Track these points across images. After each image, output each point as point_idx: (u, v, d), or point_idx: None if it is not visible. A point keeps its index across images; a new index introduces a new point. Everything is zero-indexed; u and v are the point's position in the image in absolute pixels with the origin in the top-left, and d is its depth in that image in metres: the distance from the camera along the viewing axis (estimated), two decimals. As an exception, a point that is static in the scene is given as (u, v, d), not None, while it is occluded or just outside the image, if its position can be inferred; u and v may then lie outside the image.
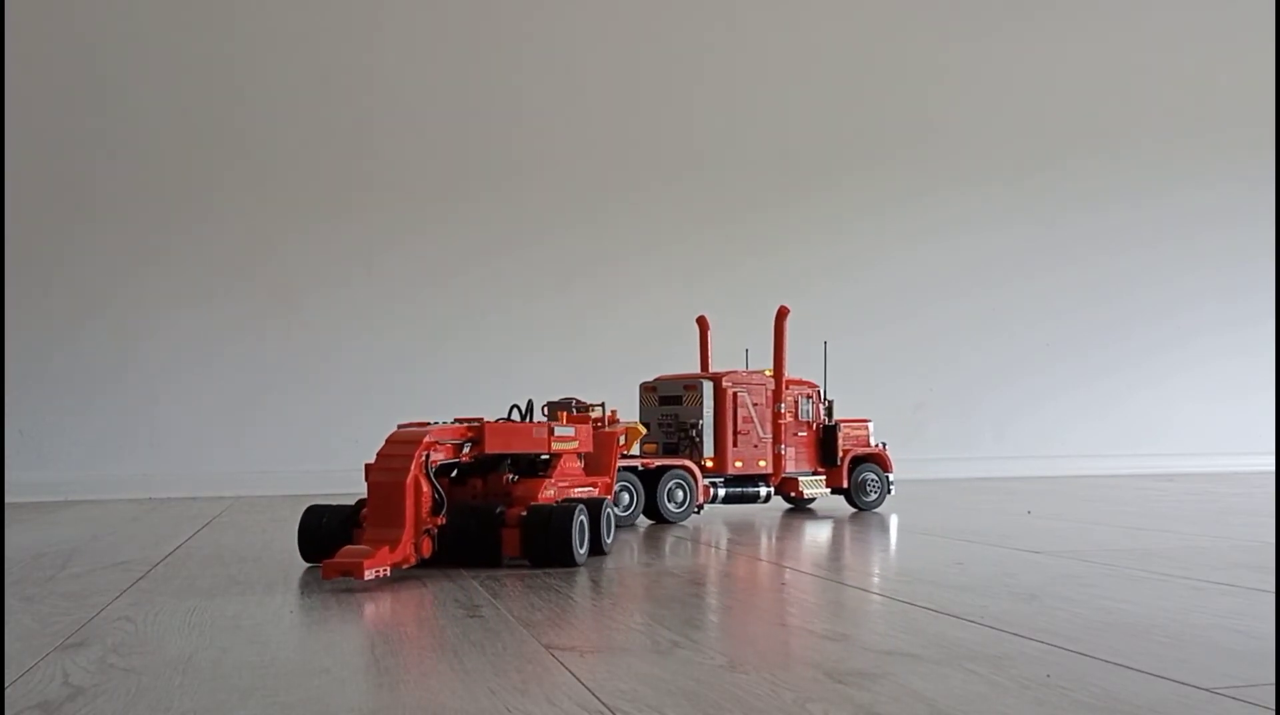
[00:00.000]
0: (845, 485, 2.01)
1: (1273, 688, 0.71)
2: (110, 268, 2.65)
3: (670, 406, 1.92)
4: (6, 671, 0.80)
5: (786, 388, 1.95)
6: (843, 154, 3.10)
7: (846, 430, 2.02)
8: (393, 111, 2.83)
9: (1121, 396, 3.23)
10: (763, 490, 1.93)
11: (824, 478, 2.01)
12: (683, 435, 1.89)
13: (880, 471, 2.04)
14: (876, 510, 2.03)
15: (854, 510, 2.03)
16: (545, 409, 1.44)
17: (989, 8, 3.22)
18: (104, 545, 1.60)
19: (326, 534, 1.28)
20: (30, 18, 2.60)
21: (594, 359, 2.65)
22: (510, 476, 1.39)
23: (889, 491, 2.05)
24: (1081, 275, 3.24)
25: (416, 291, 2.81)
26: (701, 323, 2.10)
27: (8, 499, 2.43)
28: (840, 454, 2.00)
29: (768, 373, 1.96)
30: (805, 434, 1.99)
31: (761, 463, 1.92)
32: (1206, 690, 0.70)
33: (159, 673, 0.79)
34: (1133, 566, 1.25)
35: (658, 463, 1.81)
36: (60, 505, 2.37)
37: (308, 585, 1.18)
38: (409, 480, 1.20)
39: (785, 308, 1.95)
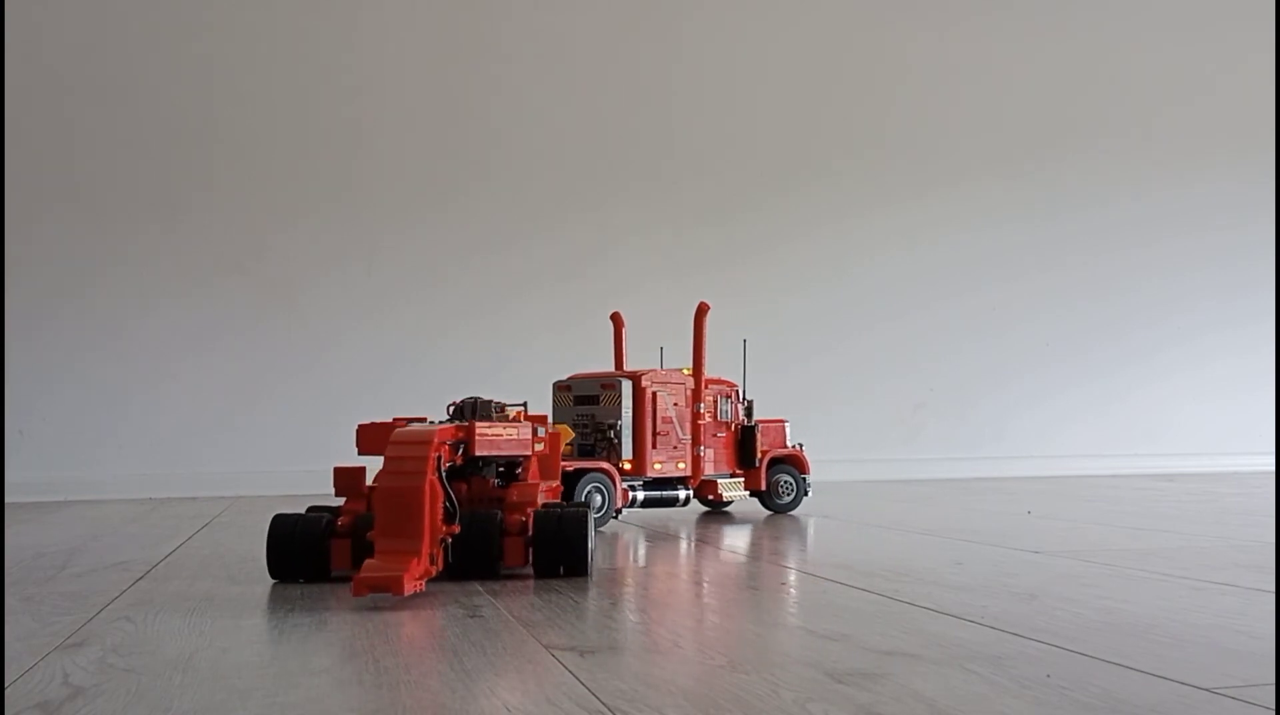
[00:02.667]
0: (764, 487, 1.97)
1: (1273, 688, 0.71)
2: (109, 267, 2.65)
3: (586, 406, 1.84)
4: (6, 671, 0.80)
5: (705, 387, 1.90)
6: (838, 151, 3.10)
7: (764, 430, 1.98)
8: (386, 107, 2.83)
9: (1121, 396, 3.23)
10: (681, 493, 1.87)
11: (743, 480, 1.96)
12: (600, 436, 1.82)
13: (796, 473, 2.00)
14: (793, 511, 1.99)
15: (769, 512, 1.99)
16: (450, 409, 1.33)
17: (986, 2, 3.22)
18: (104, 545, 1.60)
19: (302, 546, 1.19)
20: (26, 9, 2.60)
21: (587, 354, 2.64)
22: (496, 481, 1.31)
23: (805, 493, 2.01)
24: (1081, 274, 3.24)
25: (417, 288, 2.81)
26: (616, 319, 2.04)
27: (8, 499, 2.44)
28: (759, 455, 1.96)
29: (686, 372, 1.90)
30: (724, 435, 1.94)
31: (681, 465, 1.86)
32: (1206, 690, 0.70)
33: (159, 673, 0.79)
34: (1133, 566, 1.25)
35: (575, 465, 1.74)
36: (60, 505, 2.37)
37: (307, 585, 1.18)
38: (426, 485, 1.10)
39: (705, 304, 1.90)
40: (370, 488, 1.24)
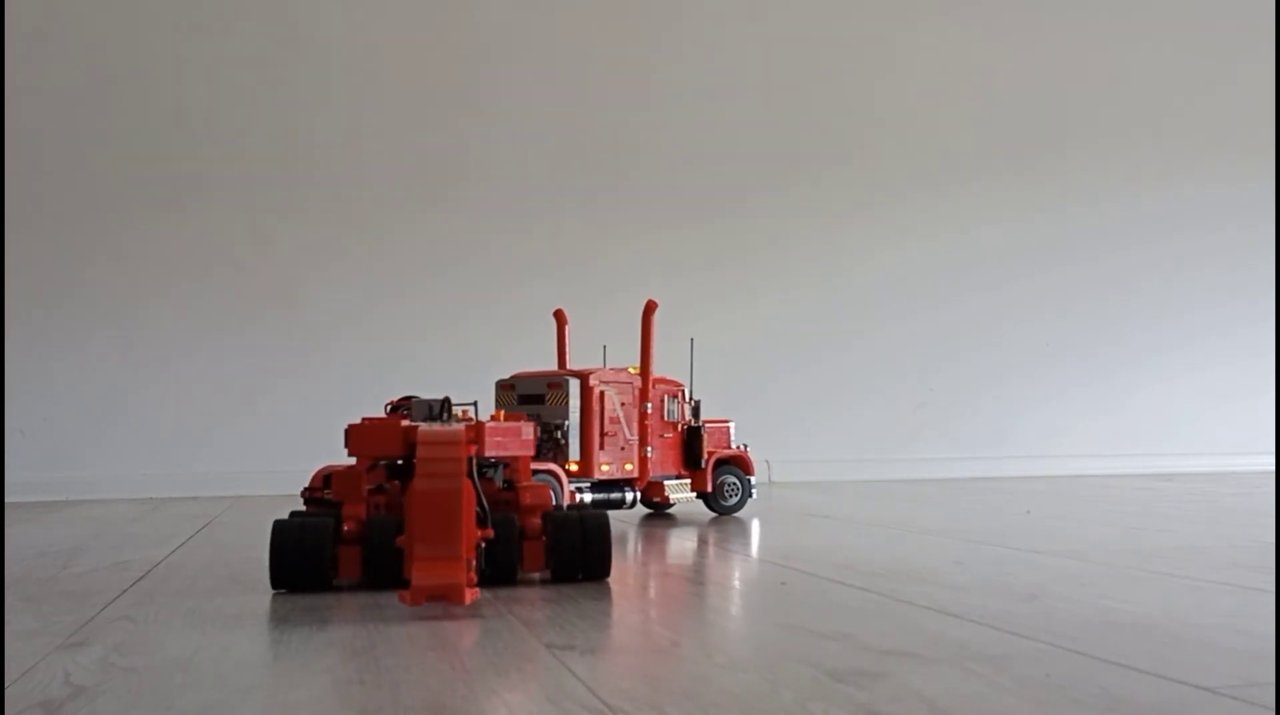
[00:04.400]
0: (709, 489, 1.94)
1: (1273, 688, 0.71)
2: (109, 267, 2.65)
3: (531, 406, 1.80)
4: (7, 671, 0.80)
5: (652, 386, 1.86)
6: (838, 149, 3.09)
7: (709, 431, 1.95)
8: (382, 104, 2.83)
9: (1122, 396, 3.23)
10: (629, 495, 1.83)
11: (689, 481, 1.94)
12: (546, 437, 1.78)
13: (741, 474, 1.98)
14: (737, 514, 1.97)
15: (714, 515, 1.97)
16: (388, 408, 1.29)
17: None
18: (104, 545, 1.60)
19: (310, 554, 1.12)
20: (28, 11, 2.60)
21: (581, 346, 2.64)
22: (501, 482, 1.25)
23: (750, 495, 1.99)
24: (1082, 274, 3.24)
25: (417, 286, 2.81)
26: (559, 316, 2.01)
27: (8, 499, 2.44)
28: (705, 456, 1.94)
29: (632, 370, 1.87)
30: (670, 436, 1.92)
31: (628, 466, 1.83)
32: (1207, 690, 0.70)
33: (160, 671, 0.79)
34: (1133, 566, 1.25)
35: None
36: (60, 505, 2.37)
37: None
38: (464, 488, 1.04)
39: (653, 302, 1.87)
40: (371, 491, 1.21)
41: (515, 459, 1.26)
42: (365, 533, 1.14)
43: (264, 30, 2.76)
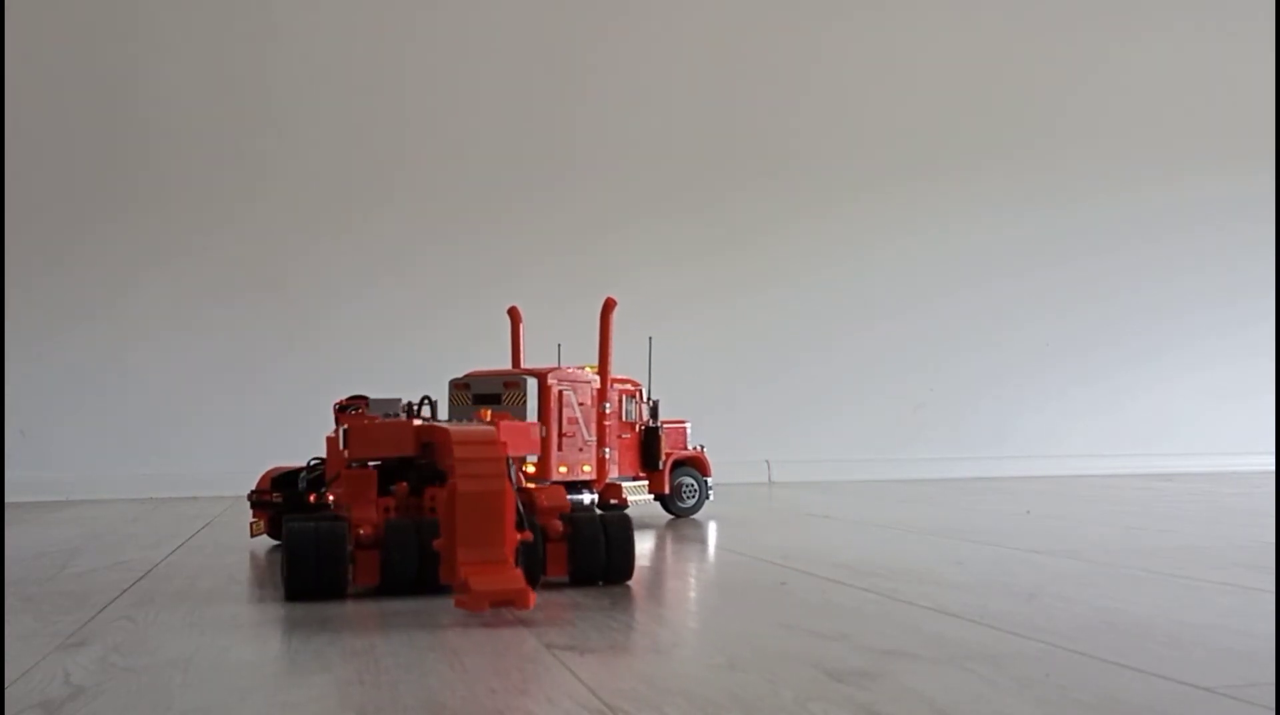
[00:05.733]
0: (667, 490, 1.92)
1: (1273, 688, 0.71)
2: (110, 267, 2.65)
3: (486, 406, 1.72)
4: (7, 671, 0.80)
5: (610, 386, 1.82)
6: (836, 143, 3.08)
7: (666, 432, 1.93)
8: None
9: (1122, 396, 3.23)
10: (586, 497, 1.78)
11: (647, 483, 1.90)
12: None
13: (698, 475, 1.96)
14: (694, 516, 1.95)
15: (671, 516, 1.94)
16: (337, 407, 1.27)
17: None
18: (104, 545, 1.60)
19: (329, 561, 1.06)
20: (39, 16, 2.60)
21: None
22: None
23: (708, 496, 1.96)
24: (1082, 274, 3.24)
25: (420, 288, 2.81)
26: (513, 314, 1.97)
27: (8, 499, 2.44)
28: (662, 457, 1.91)
29: (590, 370, 1.83)
30: (628, 436, 1.89)
31: (586, 468, 1.78)
32: (1206, 690, 0.70)
33: (160, 672, 0.79)
34: (1132, 566, 1.25)
35: None
36: (60, 505, 2.37)
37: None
38: (507, 488, 1.01)
39: (612, 300, 1.81)
40: (383, 495, 1.18)
41: (515, 460, 1.23)
42: (382, 537, 1.09)
43: (240, 24, 2.76)
